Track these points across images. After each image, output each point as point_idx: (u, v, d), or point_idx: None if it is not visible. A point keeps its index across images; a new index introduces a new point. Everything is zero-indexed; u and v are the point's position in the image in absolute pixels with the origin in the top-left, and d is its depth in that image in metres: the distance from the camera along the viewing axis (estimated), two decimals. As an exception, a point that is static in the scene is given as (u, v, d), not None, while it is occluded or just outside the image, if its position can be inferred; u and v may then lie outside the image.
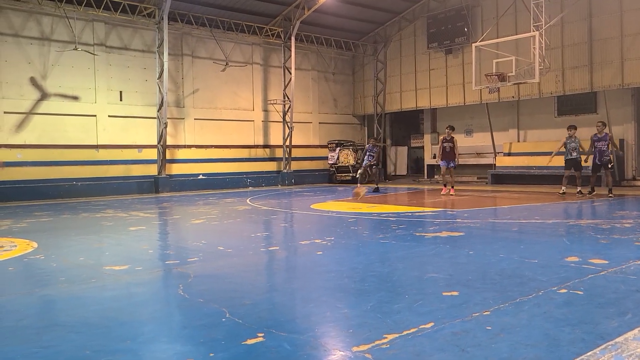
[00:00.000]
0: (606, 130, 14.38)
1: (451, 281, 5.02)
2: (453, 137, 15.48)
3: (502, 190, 17.65)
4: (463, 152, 23.38)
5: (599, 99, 19.25)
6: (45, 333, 3.81)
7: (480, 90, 19.66)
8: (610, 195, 13.87)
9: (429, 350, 3.27)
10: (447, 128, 15.87)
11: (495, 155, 21.96)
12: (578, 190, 14.46)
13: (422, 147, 25.66)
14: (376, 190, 17.64)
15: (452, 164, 15.42)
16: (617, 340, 3.36)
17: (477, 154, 23.04)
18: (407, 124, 27.23)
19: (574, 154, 14.29)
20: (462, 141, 23.57)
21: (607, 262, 5.72)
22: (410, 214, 11.31)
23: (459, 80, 22.21)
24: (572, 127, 14.58)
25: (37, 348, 3.51)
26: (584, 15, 18.52)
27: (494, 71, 17.46)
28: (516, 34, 18.48)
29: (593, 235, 7.64)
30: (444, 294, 4.57)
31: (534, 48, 16.31)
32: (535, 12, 16.80)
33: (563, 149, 14.58)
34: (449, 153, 15.35)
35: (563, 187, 14.61)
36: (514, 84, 17.48)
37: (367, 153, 18.00)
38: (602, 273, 5.22)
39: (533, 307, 4.13)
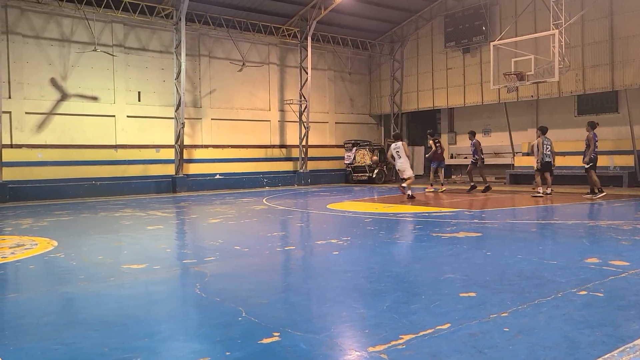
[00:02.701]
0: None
1: (468, 282, 4.98)
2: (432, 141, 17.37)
3: (520, 190, 17.45)
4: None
5: (621, 98, 18.94)
6: (65, 330, 3.86)
7: (499, 89, 19.46)
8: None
9: (446, 351, 3.25)
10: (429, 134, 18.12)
11: (514, 155, 21.73)
12: (544, 191, 14.19)
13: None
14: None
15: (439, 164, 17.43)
16: (635, 342, 3.30)
17: (495, 153, 22.82)
18: (424, 124, 27.01)
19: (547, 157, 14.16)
20: (480, 141, 23.33)
21: (628, 263, 5.63)
22: (427, 214, 11.24)
23: (476, 80, 22.02)
24: (541, 129, 14.49)
25: (57, 345, 3.56)
26: (605, 13, 18.23)
27: (512, 70, 17.27)
28: (535, 33, 18.24)
29: (614, 237, 7.52)
30: (461, 294, 4.53)
31: (554, 46, 16.10)
32: (554, 10, 16.57)
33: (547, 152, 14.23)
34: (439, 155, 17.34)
35: (540, 188, 14.29)
36: (533, 83, 17.26)
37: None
38: (622, 275, 5.13)
39: (552, 308, 4.07)
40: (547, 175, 14.35)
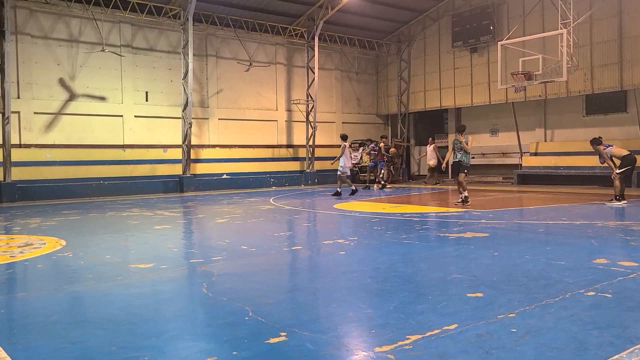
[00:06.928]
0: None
1: (475, 282, 4.97)
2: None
3: (528, 190, 17.38)
4: (488, 152, 23.26)
5: (629, 97, 18.81)
6: (73, 329, 3.89)
7: (506, 89, 19.39)
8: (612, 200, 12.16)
9: (453, 351, 3.24)
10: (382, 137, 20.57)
11: (522, 155, 21.63)
12: (464, 196, 12.67)
13: (447, 147, 25.38)
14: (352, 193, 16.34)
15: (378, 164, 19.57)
16: (646, 344, 3.28)
17: (503, 153, 22.73)
18: (431, 124, 26.98)
19: (459, 155, 12.84)
20: (488, 141, 23.32)
21: (637, 264, 5.59)
22: (434, 214, 11.21)
23: (484, 79, 21.94)
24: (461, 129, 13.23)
25: (66, 344, 3.58)
26: (614, 12, 18.11)
27: (520, 70, 17.19)
28: (543, 32, 18.16)
29: (622, 237, 7.48)
30: (468, 295, 4.52)
31: (562, 46, 16.01)
32: (563, 9, 16.48)
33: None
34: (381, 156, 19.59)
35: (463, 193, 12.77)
36: (541, 82, 17.18)
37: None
38: (631, 276, 5.10)
39: (560, 309, 4.05)
40: (458, 177, 12.96)
